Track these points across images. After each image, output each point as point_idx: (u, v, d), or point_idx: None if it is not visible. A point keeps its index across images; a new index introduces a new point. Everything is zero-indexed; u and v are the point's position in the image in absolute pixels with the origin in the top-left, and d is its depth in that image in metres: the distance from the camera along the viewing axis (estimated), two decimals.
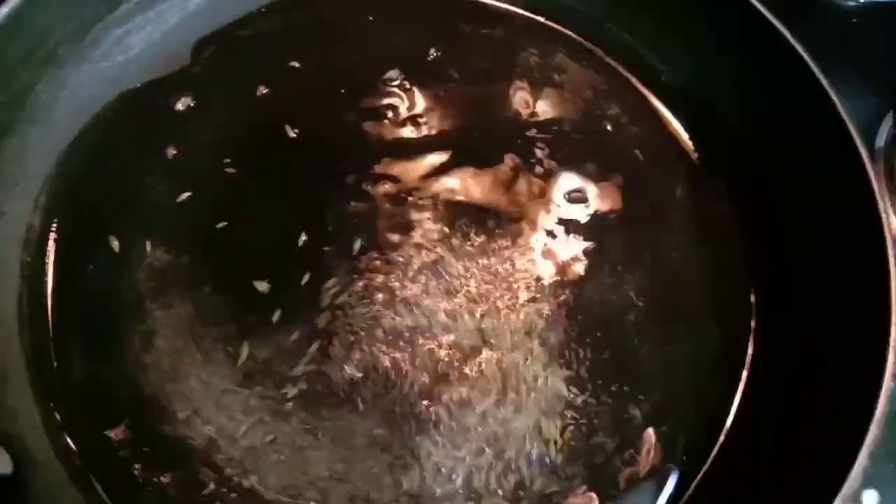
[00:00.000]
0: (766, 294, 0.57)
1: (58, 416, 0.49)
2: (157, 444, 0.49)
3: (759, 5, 0.55)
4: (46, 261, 0.54)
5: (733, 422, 0.54)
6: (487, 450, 0.51)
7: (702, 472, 0.52)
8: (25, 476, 0.44)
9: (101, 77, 0.59)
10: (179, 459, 0.49)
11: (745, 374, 0.55)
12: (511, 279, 0.56)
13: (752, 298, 0.58)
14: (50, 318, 0.52)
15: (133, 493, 0.48)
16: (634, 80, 0.65)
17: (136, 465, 0.48)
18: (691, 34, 0.62)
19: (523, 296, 0.55)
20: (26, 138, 0.55)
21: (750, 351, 0.56)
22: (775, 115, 0.58)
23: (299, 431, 0.50)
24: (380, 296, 0.54)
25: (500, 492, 0.50)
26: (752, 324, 0.57)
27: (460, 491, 0.50)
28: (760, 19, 0.55)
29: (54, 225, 0.55)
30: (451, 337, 0.53)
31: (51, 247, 0.54)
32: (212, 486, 0.48)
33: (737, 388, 0.54)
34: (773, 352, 0.55)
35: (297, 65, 0.62)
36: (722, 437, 0.53)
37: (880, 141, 0.65)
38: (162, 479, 0.48)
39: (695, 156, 0.62)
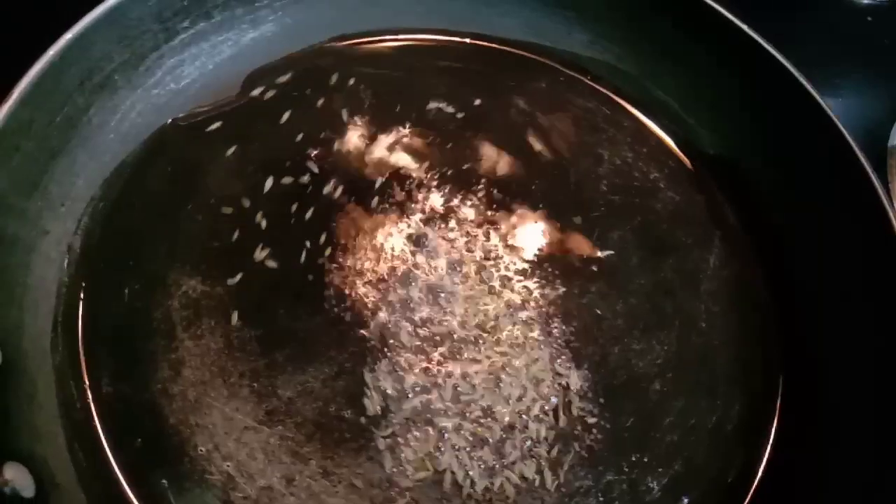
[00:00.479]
0: (793, 367, 0.57)
1: (82, 439, 0.49)
2: (174, 475, 0.49)
3: (789, 67, 0.56)
4: (83, 283, 0.54)
5: (753, 496, 0.53)
6: None
7: None
8: (47, 499, 0.44)
9: (151, 104, 0.61)
10: (196, 494, 0.49)
11: (768, 447, 0.54)
12: (542, 334, 0.56)
13: (781, 372, 0.57)
14: (81, 340, 0.52)
15: None
16: (673, 145, 0.65)
17: (153, 498, 0.48)
18: (724, 97, 0.63)
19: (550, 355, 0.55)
20: (75, 160, 0.56)
21: (774, 424, 0.55)
22: (807, 180, 0.58)
23: (316, 475, 0.50)
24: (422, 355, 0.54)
25: None
26: (779, 398, 0.56)
27: None
28: (792, 83, 0.56)
29: (94, 247, 0.56)
30: (477, 404, 0.53)
31: (89, 269, 0.55)
32: None
33: (760, 460, 0.54)
34: (796, 426, 0.55)
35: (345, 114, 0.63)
36: None
37: (894, 139, 0.65)
38: None
39: (730, 223, 0.62)
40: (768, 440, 0.55)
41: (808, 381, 0.56)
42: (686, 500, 0.52)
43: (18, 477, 0.43)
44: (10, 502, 0.41)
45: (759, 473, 0.54)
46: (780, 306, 0.60)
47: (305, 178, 0.60)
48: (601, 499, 0.51)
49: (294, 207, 0.59)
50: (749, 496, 0.53)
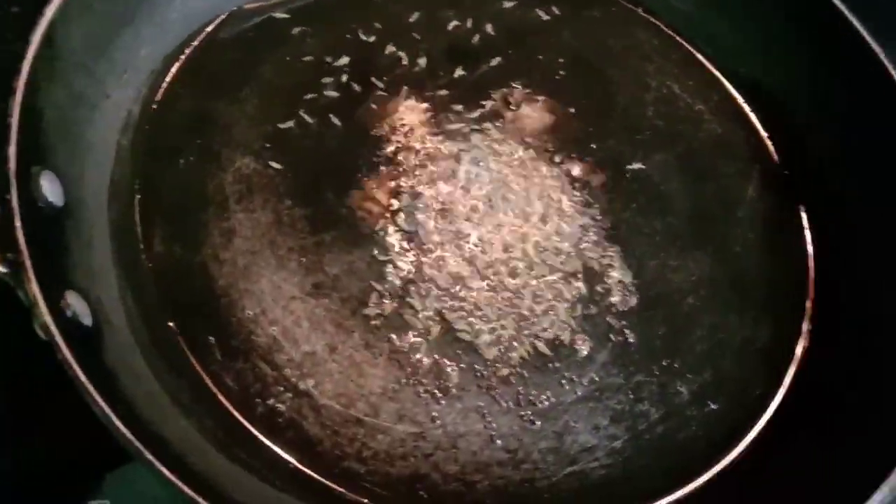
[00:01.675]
0: (825, 298, 0.58)
1: (133, 288, 0.50)
2: (221, 334, 0.50)
3: (844, 9, 0.57)
4: (140, 148, 0.55)
5: (776, 411, 0.54)
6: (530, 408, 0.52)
7: (738, 453, 0.53)
8: (102, 334, 0.45)
9: None
10: (241, 352, 0.50)
11: (793, 366, 0.56)
12: (581, 245, 0.57)
13: (809, 303, 0.58)
14: (138, 199, 0.53)
15: (194, 375, 0.49)
16: (721, 78, 0.66)
17: (200, 350, 0.49)
18: (772, 31, 0.65)
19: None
20: (140, 32, 0.57)
21: (799, 350, 0.57)
22: (852, 120, 0.60)
23: (359, 347, 0.51)
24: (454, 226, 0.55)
25: (543, 442, 0.51)
26: (805, 321, 0.58)
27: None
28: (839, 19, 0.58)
29: (152, 117, 0.57)
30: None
31: (145, 136, 0.56)
32: (269, 381, 0.49)
33: (784, 377, 0.55)
34: (822, 353, 0.56)
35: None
36: (763, 424, 0.54)
37: None
38: (222, 366, 0.49)
39: (771, 158, 0.64)
40: (793, 359, 0.56)
41: (835, 309, 0.57)
42: (713, 406, 0.53)
43: (78, 304, 0.44)
44: (72, 324, 0.42)
45: (784, 388, 0.55)
46: (815, 240, 0.61)
47: (360, 84, 0.61)
48: (631, 396, 0.53)
49: (352, 100, 0.60)
50: (774, 408, 0.54)
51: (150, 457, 0.37)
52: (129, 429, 0.38)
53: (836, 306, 0.58)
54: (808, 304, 0.59)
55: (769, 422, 0.54)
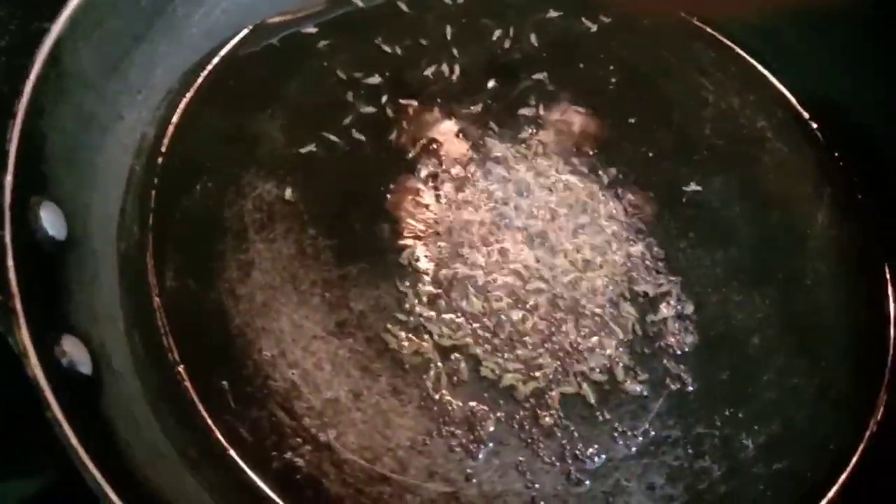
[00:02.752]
0: None
1: (142, 329, 0.46)
2: (235, 379, 0.46)
3: None
4: (155, 173, 0.51)
5: (855, 470, 0.48)
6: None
7: None
8: (102, 382, 0.41)
9: (237, 3, 0.58)
10: (256, 399, 0.45)
11: (875, 419, 0.49)
12: (632, 277, 0.52)
13: (891, 346, 0.52)
14: (150, 230, 0.49)
15: (203, 425, 0.44)
16: (786, 93, 0.60)
17: (211, 397, 0.45)
18: (843, 40, 0.59)
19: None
20: (157, 49, 0.54)
21: (882, 399, 0.50)
22: None
23: (386, 393, 0.46)
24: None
25: None
26: (888, 370, 0.51)
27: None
28: None
29: (168, 139, 0.53)
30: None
31: (161, 160, 0.52)
32: (287, 432, 0.45)
33: (864, 432, 0.49)
34: None
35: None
36: (840, 485, 0.48)
37: None
38: (235, 415, 0.45)
39: (843, 181, 0.58)
40: (875, 412, 0.50)
41: None
42: (783, 463, 0.47)
43: (76, 351, 0.40)
44: (67, 375, 0.38)
45: (865, 443, 0.49)
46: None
47: (392, 101, 0.56)
48: (690, 451, 0.47)
49: (383, 120, 0.56)
50: (850, 467, 0.48)
51: None
52: (122, 496, 0.34)
53: None
54: (890, 346, 0.52)
55: (848, 482, 0.48)
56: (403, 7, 0.60)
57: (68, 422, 0.35)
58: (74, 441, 0.34)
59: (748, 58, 0.62)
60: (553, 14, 0.62)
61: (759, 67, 0.62)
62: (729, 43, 0.63)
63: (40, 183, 0.43)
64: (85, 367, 0.40)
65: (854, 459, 0.49)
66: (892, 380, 0.51)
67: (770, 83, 0.61)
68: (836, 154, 0.59)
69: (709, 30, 0.63)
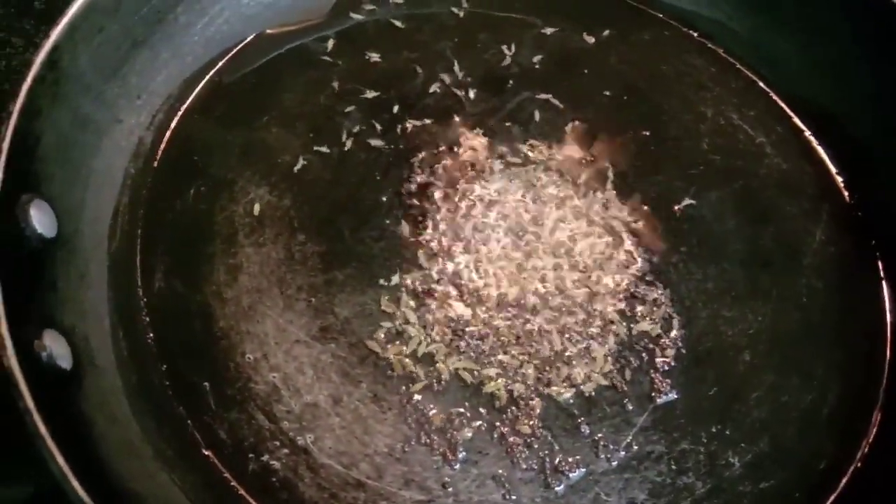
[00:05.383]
0: None
1: (127, 327, 0.46)
2: (217, 380, 0.46)
3: None
4: (149, 176, 0.52)
5: (844, 490, 0.47)
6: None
7: None
8: (83, 377, 0.42)
9: (240, 14, 0.59)
10: (236, 401, 0.45)
11: (867, 439, 0.48)
12: (622, 288, 0.51)
13: (886, 364, 0.51)
14: (141, 230, 0.50)
15: (182, 424, 0.45)
16: (785, 109, 0.60)
17: (192, 397, 0.45)
18: (843, 55, 0.58)
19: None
20: (158, 55, 0.55)
21: (874, 418, 0.49)
22: None
23: (366, 399, 0.46)
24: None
25: None
26: (882, 389, 0.50)
27: None
28: None
29: (165, 144, 0.54)
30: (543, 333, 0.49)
31: (156, 165, 0.53)
32: (265, 434, 0.45)
33: (856, 452, 0.48)
34: None
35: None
36: None
37: None
38: (215, 416, 0.45)
39: (842, 198, 0.57)
40: (868, 432, 0.49)
41: None
42: (770, 482, 0.46)
43: (57, 346, 0.40)
44: (45, 368, 0.38)
45: (855, 463, 0.47)
46: (894, 290, 0.53)
47: (387, 114, 0.57)
48: (673, 467, 0.46)
49: (377, 132, 0.56)
50: (840, 488, 0.47)
51: None
52: (90, 489, 0.34)
53: None
54: (886, 365, 0.51)
55: (837, 502, 0.46)
56: (402, 22, 0.61)
57: (39, 412, 0.35)
58: (43, 430, 0.34)
59: (748, 73, 0.62)
60: (551, 29, 0.62)
61: (760, 83, 0.61)
62: (729, 58, 0.62)
63: (32, 181, 0.44)
64: (65, 361, 0.41)
65: (844, 481, 0.47)
66: (886, 400, 0.50)
67: (770, 99, 0.61)
68: (836, 171, 0.58)
69: (709, 45, 0.63)
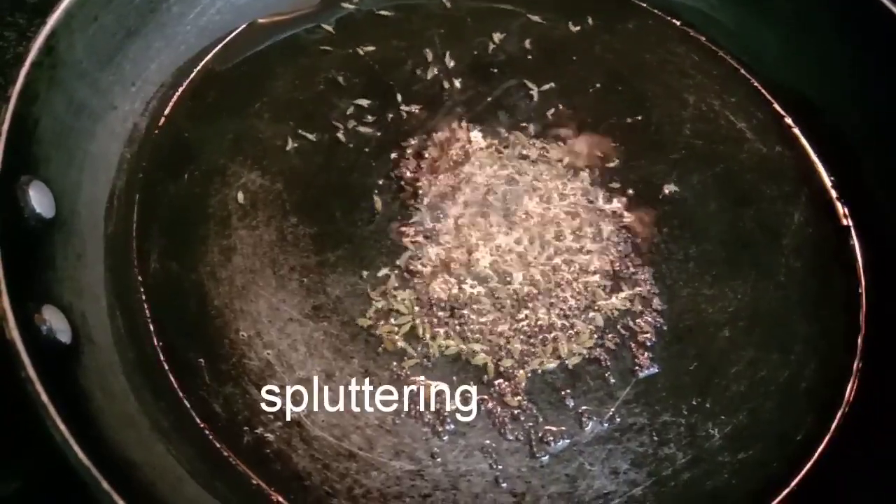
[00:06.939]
0: (878, 335, 0.52)
1: (124, 306, 0.48)
2: (211, 356, 0.47)
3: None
4: (144, 160, 0.53)
5: (819, 458, 0.48)
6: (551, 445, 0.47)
7: None
8: (81, 353, 0.43)
9: (231, 3, 0.61)
10: (231, 376, 0.47)
11: (841, 412, 0.50)
12: (605, 268, 0.53)
13: (860, 340, 0.53)
14: (136, 213, 0.51)
15: (178, 398, 0.46)
16: (766, 96, 0.61)
17: (187, 372, 0.47)
18: (823, 43, 0.60)
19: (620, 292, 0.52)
20: (151, 44, 0.56)
21: (848, 391, 0.51)
22: None
23: (358, 374, 0.48)
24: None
25: (554, 486, 0.46)
26: (857, 365, 0.52)
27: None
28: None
29: (159, 130, 0.55)
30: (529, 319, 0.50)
31: (150, 150, 0.54)
32: (260, 406, 0.46)
33: (830, 424, 0.49)
34: (874, 395, 0.50)
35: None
36: (804, 474, 0.48)
37: None
38: (210, 390, 0.46)
39: (821, 182, 0.58)
40: (842, 402, 0.50)
41: (889, 347, 0.51)
42: (748, 452, 0.48)
43: (56, 320, 0.41)
44: (46, 341, 0.40)
45: (830, 434, 0.49)
46: (870, 273, 0.55)
47: (377, 101, 0.58)
48: (655, 438, 0.48)
49: (367, 118, 0.57)
50: (815, 458, 0.48)
51: (106, 487, 0.34)
52: (90, 455, 0.35)
53: (892, 344, 0.51)
54: (860, 341, 0.53)
55: (812, 471, 0.48)
56: (392, 11, 0.62)
57: (42, 383, 0.36)
58: (45, 397, 0.35)
59: (730, 61, 0.63)
60: (538, 18, 0.63)
61: (741, 71, 0.63)
62: (712, 46, 0.64)
63: (31, 163, 0.45)
64: (65, 335, 0.42)
65: (820, 449, 0.49)
66: (860, 373, 0.51)
67: (751, 86, 0.62)
68: (815, 155, 0.60)
69: (692, 33, 0.64)
